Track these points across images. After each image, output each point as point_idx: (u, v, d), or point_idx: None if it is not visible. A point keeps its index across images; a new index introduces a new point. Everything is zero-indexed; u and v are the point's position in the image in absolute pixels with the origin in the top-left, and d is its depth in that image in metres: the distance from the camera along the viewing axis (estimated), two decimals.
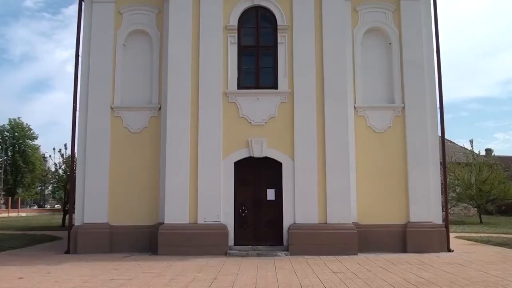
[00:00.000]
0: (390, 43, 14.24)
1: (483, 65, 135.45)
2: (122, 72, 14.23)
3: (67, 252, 13.51)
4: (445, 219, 13.95)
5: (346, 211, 12.96)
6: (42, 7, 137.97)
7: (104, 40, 14.18)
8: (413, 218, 13.44)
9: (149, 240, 13.25)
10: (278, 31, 13.70)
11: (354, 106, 13.90)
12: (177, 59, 13.50)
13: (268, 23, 13.95)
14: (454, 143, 41.24)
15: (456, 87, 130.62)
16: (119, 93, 14.14)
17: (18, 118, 64.99)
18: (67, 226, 15.95)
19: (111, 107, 13.96)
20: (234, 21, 13.72)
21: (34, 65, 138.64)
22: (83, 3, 14.51)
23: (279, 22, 13.69)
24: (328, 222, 12.93)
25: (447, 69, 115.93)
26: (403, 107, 13.88)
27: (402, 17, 14.22)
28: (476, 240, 16.84)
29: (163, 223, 13.00)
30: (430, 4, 14.51)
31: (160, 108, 13.95)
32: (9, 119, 64.54)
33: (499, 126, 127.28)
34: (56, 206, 66.45)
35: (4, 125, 64.07)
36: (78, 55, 14.30)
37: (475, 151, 33.17)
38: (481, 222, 28.32)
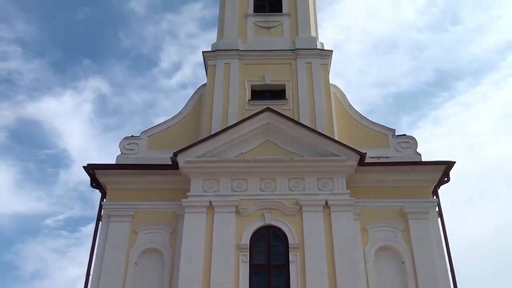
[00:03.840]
0: (402, 262, 14.13)
1: (502, 282, 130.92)
2: None
3: None
4: None
5: None
6: (61, 225, 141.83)
7: (116, 259, 14.24)
8: None
9: None
10: (290, 249, 13.77)
11: None
12: (188, 278, 13.30)
13: (279, 242, 14.10)
14: None
15: None
16: None
17: None
18: None
19: None
20: (246, 240, 13.92)
21: (44, 283, 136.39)
22: (100, 222, 15.09)
23: (290, 241, 13.86)
24: None
25: (464, 286, 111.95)
26: None
27: (412, 236, 14.35)
28: None
29: None
30: (438, 221, 14.83)
31: None
32: None
33: None
34: None
35: None
36: (89, 274, 14.20)
37: None
38: None
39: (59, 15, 53.78)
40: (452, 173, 15.22)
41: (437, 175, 15.21)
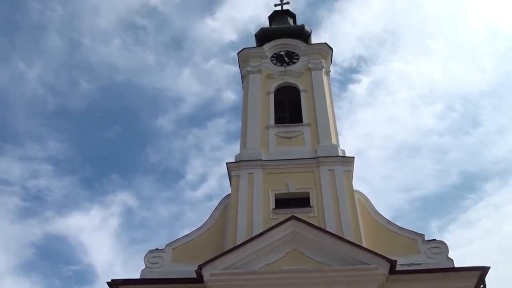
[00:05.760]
0: None
1: None
2: None
3: None
4: None
5: None
6: None
7: None
8: None
9: None
10: None
11: None
12: None
13: None
14: None
15: None
16: None
17: None
18: None
19: None
20: None
21: None
22: None
23: None
24: None
25: None
26: None
27: None
28: None
29: None
30: None
31: None
32: None
33: None
34: None
35: None
36: None
37: None
38: None
39: (90, 134, 56.41)
40: (488, 278, 14.48)
41: (473, 282, 14.44)
